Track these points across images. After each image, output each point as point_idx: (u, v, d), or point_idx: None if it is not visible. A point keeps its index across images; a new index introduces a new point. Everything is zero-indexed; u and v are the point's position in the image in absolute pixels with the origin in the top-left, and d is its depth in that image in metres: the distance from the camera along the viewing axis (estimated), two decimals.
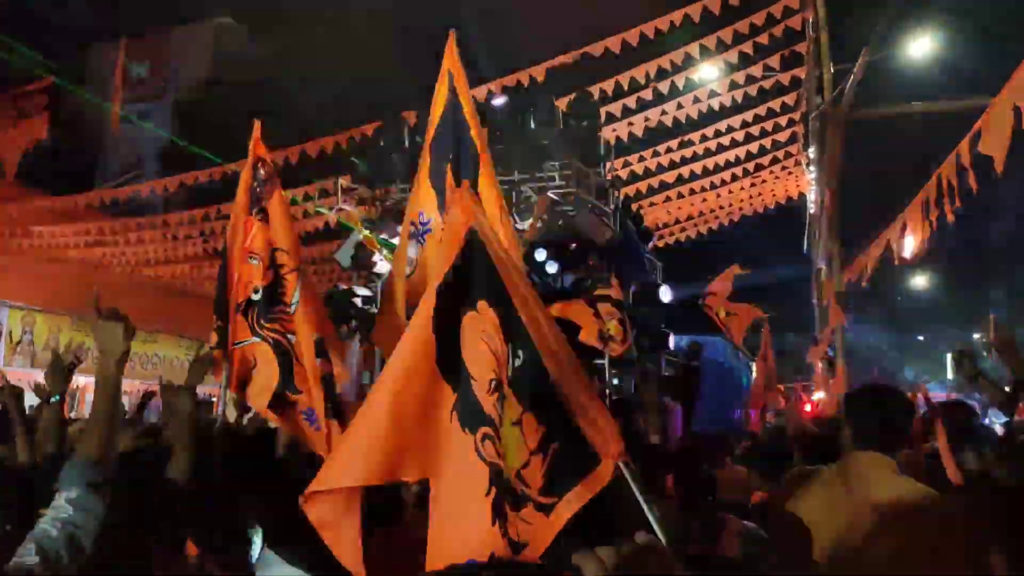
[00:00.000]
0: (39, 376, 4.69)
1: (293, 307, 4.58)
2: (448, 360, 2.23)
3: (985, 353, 4.41)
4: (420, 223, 4.51)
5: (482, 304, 2.22)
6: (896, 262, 7.73)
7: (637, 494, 2.12)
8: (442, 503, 2.19)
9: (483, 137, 4.61)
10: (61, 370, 4.35)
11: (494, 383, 2.20)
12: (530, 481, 2.16)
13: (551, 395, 2.14)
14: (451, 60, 4.68)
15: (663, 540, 1.91)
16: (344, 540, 2.18)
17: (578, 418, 2.13)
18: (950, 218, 5.48)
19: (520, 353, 2.19)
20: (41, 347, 17.11)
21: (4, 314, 16.57)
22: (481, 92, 10.53)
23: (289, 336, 4.62)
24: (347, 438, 2.23)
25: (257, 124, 4.90)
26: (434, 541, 2.16)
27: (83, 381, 18.41)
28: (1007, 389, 4.85)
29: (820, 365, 12.28)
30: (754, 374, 11.84)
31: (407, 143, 10.13)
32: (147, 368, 19.99)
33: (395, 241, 10.24)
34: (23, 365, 16.60)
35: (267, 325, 4.66)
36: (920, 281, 34.00)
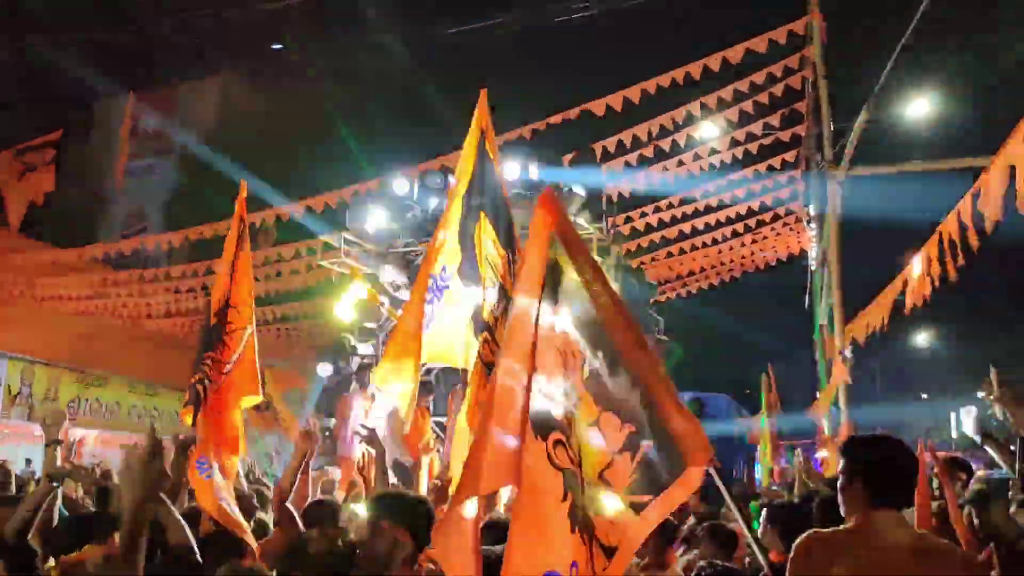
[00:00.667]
0: (36, 429, 4.72)
1: (230, 365, 4.70)
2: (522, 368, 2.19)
3: (989, 412, 4.36)
4: (440, 277, 4.55)
5: (554, 307, 2.20)
6: (906, 310, 7.68)
7: (728, 500, 2.08)
8: (521, 514, 2.13)
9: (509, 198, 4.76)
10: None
11: (565, 387, 2.16)
12: (615, 482, 2.13)
13: (636, 394, 2.12)
14: (482, 118, 4.76)
15: (754, 546, 1.87)
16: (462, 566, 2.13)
17: (666, 419, 2.08)
18: (952, 275, 5.50)
19: (599, 354, 2.15)
20: (40, 400, 17.00)
21: (3, 366, 16.50)
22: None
23: (206, 382, 4.71)
24: (468, 460, 2.17)
25: (243, 184, 5.09)
26: (513, 553, 2.08)
27: (80, 433, 18.26)
28: (1012, 448, 4.85)
29: (823, 423, 12.16)
30: (760, 432, 11.72)
31: (415, 197, 10.22)
32: (145, 421, 19.83)
33: (397, 293, 10.27)
34: (21, 417, 16.49)
35: (197, 370, 4.75)
36: (923, 338, 33.92)
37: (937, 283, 6.23)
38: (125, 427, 19.34)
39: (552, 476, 2.10)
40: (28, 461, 11.38)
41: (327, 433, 9.61)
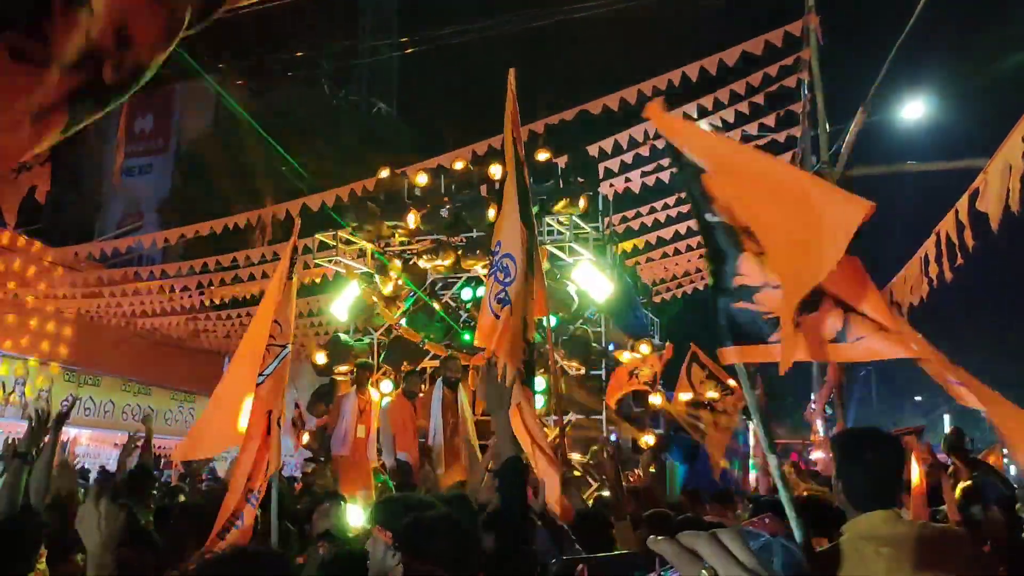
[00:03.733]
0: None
1: (262, 378, 4.84)
2: None
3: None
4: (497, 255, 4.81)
5: None
6: (903, 312, 7.67)
7: None
8: None
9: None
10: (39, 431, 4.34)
11: None
12: None
13: None
14: (511, 101, 5.00)
15: None
16: None
17: None
18: (948, 276, 5.49)
19: None
20: (33, 398, 16.94)
21: None
22: (482, 147, 10.65)
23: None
24: None
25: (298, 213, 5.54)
26: None
27: (73, 432, 18.22)
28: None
29: (817, 424, 12.18)
30: (751, 435, 11.72)
31: (406, 196, 10.20)
32: (139, 420, 19.78)
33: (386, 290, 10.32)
34: (15, 416, 16.42)
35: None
36: None
37: (936, 283, 6.23)
38: (119, 426, 19.29)
39: None
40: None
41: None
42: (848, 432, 2.91)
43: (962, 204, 4.81)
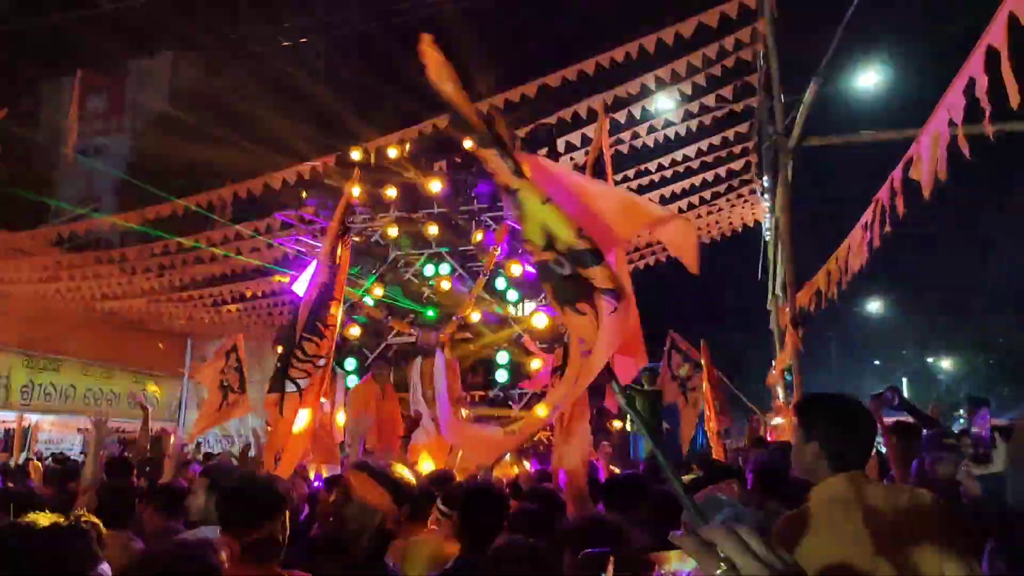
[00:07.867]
0: None
1: (323, 361, 4.62)
2: None
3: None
4: None
5: None
6: (843, 286, 7.90)
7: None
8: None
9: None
10: None
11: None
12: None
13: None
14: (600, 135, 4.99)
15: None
16: None
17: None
18: (876, 243, 5.64)
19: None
20: None
21: None
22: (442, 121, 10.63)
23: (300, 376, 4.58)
24: None
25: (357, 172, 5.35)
26: None
27: (35, 419, 18.01)
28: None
29: (777, 390, 12.39)
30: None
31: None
32: (101, 404, 19.60)
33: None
34: None
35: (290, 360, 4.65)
36: (875, 306, 34.68)
37: (875, 246, 6.38)
38: (81, 411, 19.10)
39: None
40: None
41: None
42: (812, 396, 2.88)
43: (896, 173, 4.92)
